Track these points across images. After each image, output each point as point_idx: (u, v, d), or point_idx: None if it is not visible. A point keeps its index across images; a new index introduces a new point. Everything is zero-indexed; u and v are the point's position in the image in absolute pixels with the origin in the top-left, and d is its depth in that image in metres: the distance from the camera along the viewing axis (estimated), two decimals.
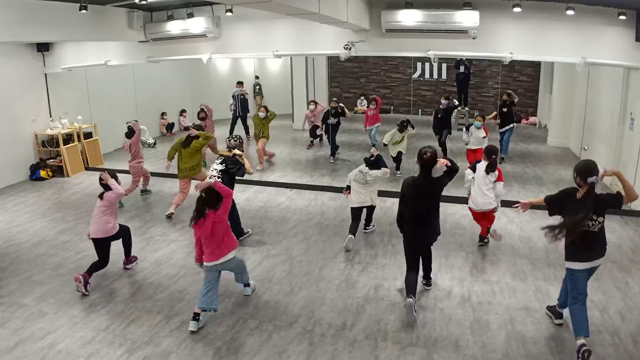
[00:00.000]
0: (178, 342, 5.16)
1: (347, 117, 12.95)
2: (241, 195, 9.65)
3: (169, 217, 8.77)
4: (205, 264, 5.49)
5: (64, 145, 11.73)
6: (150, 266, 6.93)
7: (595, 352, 4.86)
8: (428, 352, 4.94)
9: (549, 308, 5.56)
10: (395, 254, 7.09)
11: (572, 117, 12.91)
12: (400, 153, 10.87)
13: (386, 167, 7.67)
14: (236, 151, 7.51)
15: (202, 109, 11.76)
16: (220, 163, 7.33)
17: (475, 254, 7.17)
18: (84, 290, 6.10)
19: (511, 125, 11.76)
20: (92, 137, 12.65)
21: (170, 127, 15.88)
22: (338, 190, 10.06)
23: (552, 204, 5.04)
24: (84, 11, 8.38)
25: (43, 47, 11.63)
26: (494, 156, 7.16)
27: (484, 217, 7.34)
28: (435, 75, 17.98)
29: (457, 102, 14.84)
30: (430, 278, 6.28)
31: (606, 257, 6.86)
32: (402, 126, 10.78)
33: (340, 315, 5.62)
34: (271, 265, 6.90)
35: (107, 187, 6.42)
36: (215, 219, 5.33)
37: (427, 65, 17.85)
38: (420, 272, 6.00)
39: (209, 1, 9.42)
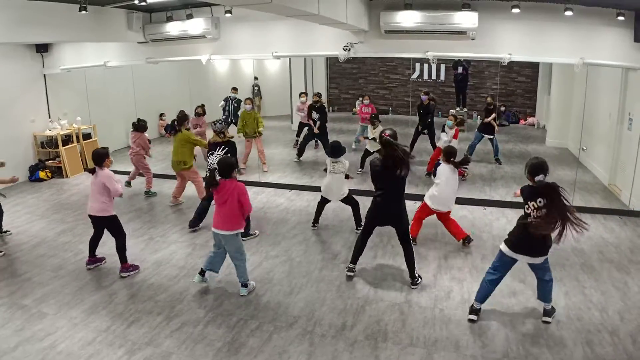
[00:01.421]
0: (179, 343, 5.17)
1: (326, 119, 12.07)
2: None
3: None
4: (212, 228, 6.00)
5: (63, 146, 11.74)
6: (150, 267, 6.93)
7: (595, 352, 4.88)
8: (428, 352, 4.95)
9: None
10: (394, 255, 7.11)
11: (570, 118, 12.93)
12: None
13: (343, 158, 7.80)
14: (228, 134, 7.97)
15: (202, 106, 12.03)
16: (225, 153, 7.65)
17: (474, 254, 7.18)
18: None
19: (492, 136, 11.79)
20: (91, 138, 12.67)
21: (168, 128, 15.85)
22: None
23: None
24: (83, 12, 8.39)
25: (42, 48, 11.64)
26: (452, 159, 7.20)
27: (443, 218, 7.47)
28: (433, 76, 17.99)
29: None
30: (415, 277, 6.28)
31: (604, 257, 6.97)
32: (373, 119, 10.79)
33: (340, 315, 5.64)
34: (271, 266, 6.91)
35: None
36: (236, 189, 5.82)
37: (425, 66, 17.86)
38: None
39: (209, 2, 9.43)
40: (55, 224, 8.73)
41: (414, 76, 18.12)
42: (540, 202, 5.03)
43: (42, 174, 11.54)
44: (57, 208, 9.60)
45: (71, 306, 5.91)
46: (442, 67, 17.60)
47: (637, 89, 8.76)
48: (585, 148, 10.51)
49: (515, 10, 8.02)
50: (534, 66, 16.35)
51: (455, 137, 10.40)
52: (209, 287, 6.33)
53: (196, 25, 9.99)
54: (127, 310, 5.82)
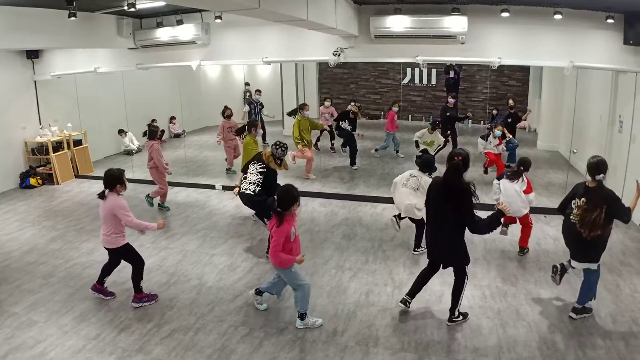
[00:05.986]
0: (169, 350, 5.13)
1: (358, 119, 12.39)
2: (232, 202, 9.62)
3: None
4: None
5: (54, 152, 11.68)
6: None
7: (587, 355, 4.89)
8: (419, 357, 4.94)
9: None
10: (385, 260, 7.09)
11: (561, 121, 12.99)
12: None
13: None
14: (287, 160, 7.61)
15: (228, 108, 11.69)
16: (262, 168, 7.22)
17: None
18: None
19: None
20: (81, 144, 12.61)
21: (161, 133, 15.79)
22: (328, 196, 10.08)
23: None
24: (73, 18, 8.34)
25: (32, 54, 11.61)
26: (521, 167, 6.99)
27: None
28: (424, 81, 18.02)
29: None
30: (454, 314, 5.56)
31: None
32: (434, 125, 10.94)
33: (331, 321, 5.61)
34: (261, 272, 6.87)
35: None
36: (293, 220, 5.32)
37: (416, 70, 17.90)
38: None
39: (198, 8, 9.43)
40: (45, 231, 8.67)
41: (405, 81, 18.15)
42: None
43: (32, 181, 11.47)
44: (48, 215, 9.54)
45: (61, 314, 5.86)
46: (434, 71, 17.63)
47: (627, 92, 8.80)
48: (576, 151, 10.56)
49: (505, 14, 8.06)
50: (524, 70, 16.40)
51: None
52: (199, 294, 6.30)
53: (186, 31, 9.98)
54: (117, 317, 5.77)
